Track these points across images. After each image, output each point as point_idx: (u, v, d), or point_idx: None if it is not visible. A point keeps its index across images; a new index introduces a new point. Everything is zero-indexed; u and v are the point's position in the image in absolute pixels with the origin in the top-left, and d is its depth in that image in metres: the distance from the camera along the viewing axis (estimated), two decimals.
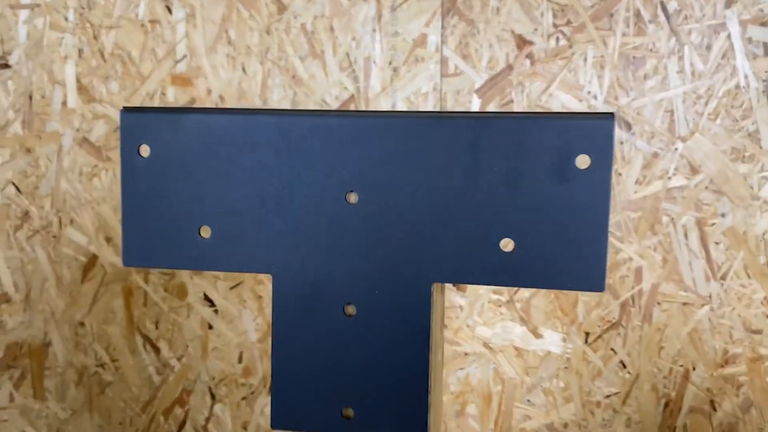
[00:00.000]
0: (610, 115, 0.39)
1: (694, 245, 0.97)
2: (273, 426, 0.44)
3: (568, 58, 0.96)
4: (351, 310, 0.42)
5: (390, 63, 1.00)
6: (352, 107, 1.01)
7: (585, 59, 0.96)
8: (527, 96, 0.98)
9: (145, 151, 0.43)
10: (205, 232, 0.43)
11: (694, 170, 0.96)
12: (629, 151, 0.97)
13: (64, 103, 1.08)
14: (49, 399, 1.15)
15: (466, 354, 1.03)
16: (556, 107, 0.97)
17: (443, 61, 0.99)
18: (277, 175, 0.42)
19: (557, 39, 0.96)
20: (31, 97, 1.09)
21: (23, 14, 1.08)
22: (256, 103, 1.03)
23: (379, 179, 0.41)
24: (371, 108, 1.00)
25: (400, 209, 0.41)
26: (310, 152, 0.41)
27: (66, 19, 1.07)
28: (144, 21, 1.05)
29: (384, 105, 1.00)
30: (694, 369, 0.99)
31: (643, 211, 0.97)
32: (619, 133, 0.96)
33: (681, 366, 0.99)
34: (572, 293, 1.00)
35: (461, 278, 0.41)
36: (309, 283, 0.42)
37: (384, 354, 0.42)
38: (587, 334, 1.00)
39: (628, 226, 0.98)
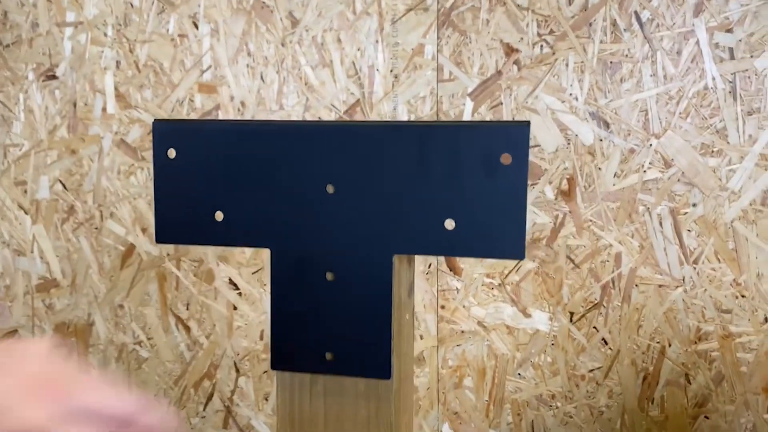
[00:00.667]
0: (527, 123, 0.50)
1: (668, 232, 1.06)
2: (272, 367, 0.56)
3: (552, 63, 1.06)
4: (330, 276, 0.54)
5: (391, 70, 1.11)
6: (358, 111, 1.12)
7: (567, 64, 1.06)
8: (515, 99, 1.08)
9: (171, 153, 0.55)
10: (219, 216, 0.55)
11: (667, 164, 1.05)
12: (608, 148, 1.06)
13: (104, 109, 1.22)
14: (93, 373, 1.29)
15: (462, 332, 1.14)
16: (541, 108, 1.07)
17: (439, 68, 1.10)
18: (273, 171, 0.54)
19: (541, 47, 1.06)
20: (75, 105, 1.23)
21: (68, 31, 1.22)
22: (273, 109, 1.15)
23: (350, 174, 0.52)
24: (375, 111, 1.12)
25: (367, 198, 0.52)
26: (298, 153, 0.53)
27: (105, 34, 1.20)
28: (174, 35, 1.18)
29: (386, 108, 1.12)
30: (669, 345, 1.08)
31: (621, 202, 1.07)
32: (598, 131, 1.06)
33: (658, 343, 1.09)
34: (558, 276, 1.10)
35: (415, 250, 0.52)
36: (298, 256, 0.54)
37: (356, 311, 0.54)
38: (572, 313, 1.11)
39: (607, 215, 1.08)
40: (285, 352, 0.55)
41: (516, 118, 1.09)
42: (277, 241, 0.54)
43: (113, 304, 1.27)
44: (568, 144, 1.07)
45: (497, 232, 0.51)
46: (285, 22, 1.14)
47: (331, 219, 0.53)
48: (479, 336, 1.14)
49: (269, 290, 0.56)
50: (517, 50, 1.07)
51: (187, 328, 1.25)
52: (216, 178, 0.55)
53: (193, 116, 1.18)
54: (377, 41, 1.11)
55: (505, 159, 0.50)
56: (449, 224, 0.52)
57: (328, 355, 0.55)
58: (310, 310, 0.54)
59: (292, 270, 0.54)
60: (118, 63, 1.20)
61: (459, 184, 0.51)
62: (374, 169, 0.52)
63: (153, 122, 0.55)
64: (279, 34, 1.14)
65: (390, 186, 0.52)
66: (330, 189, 0.53)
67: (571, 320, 1.11)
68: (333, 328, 0.54)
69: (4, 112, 1.26)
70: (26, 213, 1.28)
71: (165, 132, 0.55)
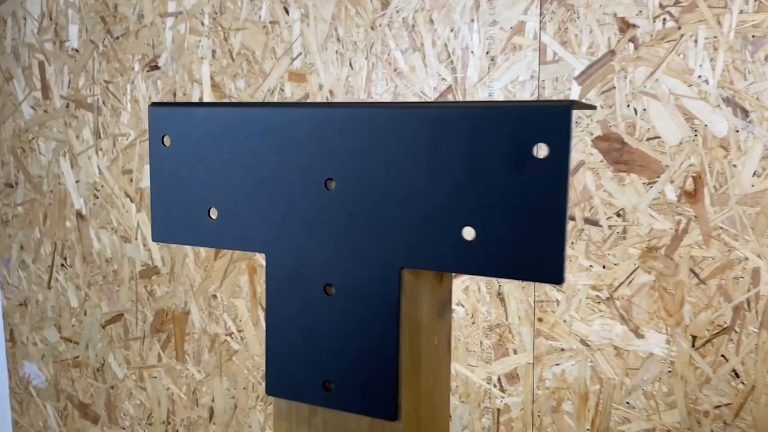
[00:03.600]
0: (569, 103, 0.38)
1: None
2: (267, 392, 0.49)
3: (677, 40, 0.89)
4: (331, 289, 0.45)
5: (487, 52, 1.00)
6: (449, 98, 1.02)
7: (695, 41, 0.89)
8: (630, 82, 0.92)
9: (167, 141, 0.49)
10: (213, 213, 0.48)
11: None
12: (746, 140, 0.88)
13: (201, 99, 1.21)
14: (188, 361, 1.30)
15: (562, 350, 1.01)
16: (663, 94, 0.91)
17: (541, 49, 0.97)
18: (268, 162, 0.46)
19: (664, 20, 0.90)
20: (174, 95, 1.23)
21: (169, 21, 1.22)
22: (362, 97, 1.08)
23: (353, 167, 0.43)
24: (468, 98, 1.01)
25: (371, 197, 0.43)
26: (295, 141, 0.45)
27: (202, 23, 1.19)
28: (266, 22, 1.14)
29: (481, 94, 1.00)
30: None
31: (762, 206, 0.88)
32: (734, 120, 0.88)
33: None
34: (678, 292, 0.93)
35: (426, 264, 0.42)
36: (295, 264, 0.46)
37: (358, 333, 0.44)
38: (694, 337, 0.93)
39: (743, 222, 0.89)
40: (281, 376, 0.47)
41: (632, 105, 0.93)
42: (272, 244, 0.47)
43: (207, 294, 1.26)
44: (696, 136, 0.90)
45: (528, 246, 0.40)
46: (375, 3, 1.06)
47: (331, 221, 0.45)
48: (582, 355, 1.00)
49: None
50: (633, 25, 0.91)
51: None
52: (210, 169, 0.48)
53: None
54: (472, 20, 1.00)
55: (540, 150, 0.39)
56: (468, 233, 0.41)
57: (329, 385, 0.46)
58: (308, 328, 0.46)
59: (289, 280, 0.46)
60: (213, 52, 1.19)
61: (480, 182, 0.41)
62: (377, 161, 0.43)
63: (149, 106, 0.50)
64: (369, 16, 1.06)
65: (394, 183, 0.43)
66: (331, 185, 0.44)
67: (693, 345, 0.93)
68: (333, 353, 0.45)
69: (114, 103, 1.30)
70: (132, 201, 1.31)
71: (160, 116, 0.49)
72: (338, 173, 0.44)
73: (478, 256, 0.41)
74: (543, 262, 0.39)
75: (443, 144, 0.41)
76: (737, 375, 0.92)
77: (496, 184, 0.40)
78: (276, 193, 0.46)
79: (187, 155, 0.49)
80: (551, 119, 0.38)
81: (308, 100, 1.12)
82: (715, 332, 0.92)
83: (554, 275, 0.39)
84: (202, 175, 0.48)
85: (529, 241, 0.40)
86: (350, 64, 1.09)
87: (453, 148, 0.41)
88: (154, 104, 0.50)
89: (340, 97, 1.09)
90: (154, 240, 0.51)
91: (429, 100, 1.03)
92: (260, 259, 1.21)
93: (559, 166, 0.38)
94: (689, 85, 0.90)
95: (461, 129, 0.40)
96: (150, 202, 0.50)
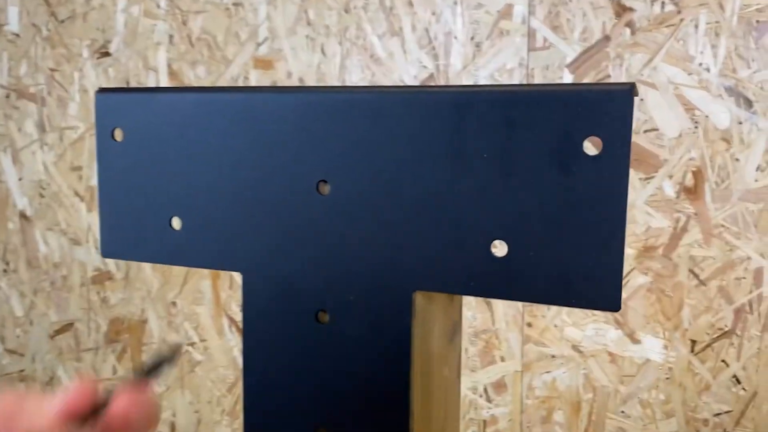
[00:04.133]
0: (629, 86, 0.31)
1: None
2: None
3: (676, 25, 0.83)
4: (324, 317, 0.37)
5: (472, 38, 0.92)
6: None
7: (696, 26, 0.83)
8: (627, 70, 0.86)
9: (118, 135, 0.40)
10: (176, 223, 0.40)
11: None
12: (749, 133, 0.82)
13: None
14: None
15: (552, 356, 0.94)
16: (661, 82, 0.85)
17: (531, 34, 0.90)
18: (245, 160, 0.37)
19: (662, 4, 0.84)
20: (127, 84, 1.13)
21: (121, 2, 1.12)
22: (335, 86, 0.99)
23: (352, 166, 0.35)
24: None
25: (376, 203, 0.35)
26: (279, 134, 0.36)
27: (158, 5, 1.09)
28: (228, 4, 1.05)
29: (465, 82, 0.93)
30: None
31: (766, 203, 0.83)
32: (737, 111, 0.82)
33: None
34: (677, 294, 0.87)
35: (446, 287, 0.34)
36: (279, 285, 0.37)
37: (359, 371, 0.36)
38: (693, 342, 0.88)
39: (746, 219, 0.84)
40: (263, 423, 0.39)
41: None
42: (250, 261, 0.38)
43: (166, 301, 1.16)
44: (696, 127, 0.84)
45: (574, 265, 0.32)
46: None
47: (324, 233, 0.37)
48: (574, 362, 0.93)
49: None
50: (630, 9, 0.85)
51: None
52: (172, 169, 0.39)
53: None
54: (455, 3, 0.92)
55: (592, 146, 0.31)
56: (499, 249, 0.33)
57: (321, 431, 0.38)
58: (295, 363, 0.38)
59: (272, 305, 0.38)
60: (171, 37, 1.09)
61: (515, 184, 0.33)
62: (385, 159, 0.35)
63: (96, 92, 0.41)
64: None
65: (405, 185, 0.35)
66: (324, 189, 0.36)
67: (692, 350, 0.88)
68: (326, 394, 0.37)
69: (60, 93, 1.18)
70: (82, 200, 1.20)
71: (109, 105, 0.40)
72: (333, 174, 0.36)
73: (510, 276, 0.33)
74: (594, 286, 0.32)
75: (468, 136, 0.33)
76: (738, 381, 0.87)
77: (534, 187, 0.33)
78: (255, 199, 0.38)
79: (144, 152, 0.40)
80: (607, 106, 0.31)
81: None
82: (715, 336, 0.87)
83: (608, 301, 0.32)
84: (163, 176, 0.40)
85: (575, 258, 0.32)
86: (322, 50, 1.00)
87: (481, 140, 0.33)
88: (102, 90, 0.41)
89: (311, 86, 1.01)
90: (104, 256, 0.42)
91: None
92: None
93: (616, 165, 0.31)
94: (689, 74, 0.84)
95: (492, 118, 0.32)
96: (99, 209, 0.41)
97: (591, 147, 0.31)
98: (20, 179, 1.24)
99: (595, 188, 0.31)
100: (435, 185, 0.34)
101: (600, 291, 0.32)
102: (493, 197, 0.33)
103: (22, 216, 1.25)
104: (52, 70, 1.18)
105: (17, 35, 1.21)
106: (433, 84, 0.94)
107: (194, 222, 0.39)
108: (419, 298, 0.36)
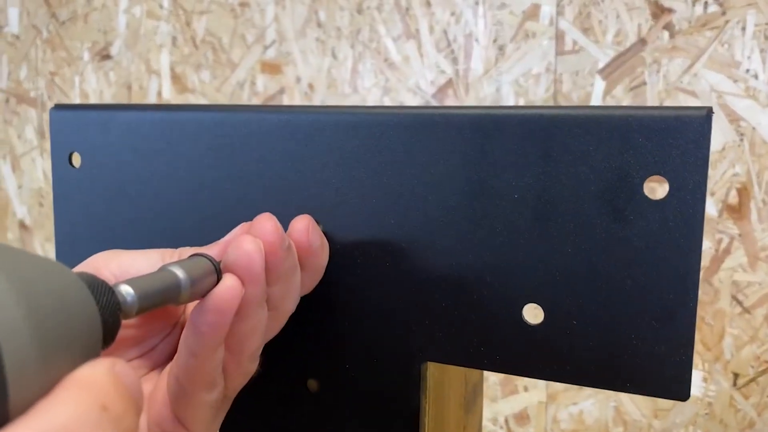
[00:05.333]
0: (705, 111, 0.24)
1: None
2: None
3: (720, 27, 0.76)
4: (314, 385, 0.30)
5: (495, 40, 0.85)
6: (450, 93, 0.87)
7: (743, 28, 0.75)
8: (664, 77, 0.79)
9: (76, 160, 0.34)
10: None
11: None
12: None
13: (159, 93, 1.05)
14: None
15: (579, 387, 0.87)
16: (703, 91, 0.77)
17: (559, 36, 0.82)
18: (227, 194, 0.31)
19: (705, 4, 0.76)
20: (129, 88, 1.07)
21: (123, 3, 1.06)
22: (346, 92, 0.93)
23: (345, 206, 0.28)
24: (472, 94, 0.86)
25: (376, 252, 0.28)
26: (265, 164, 0.30)
27: (161, 6, 1.03)
28: (234, 4, 0.98)
29: (487, 89, 0.86)
30: None
31: None
32: None
33: None
34: (718, 323, 0.80)
35: (465, 360, 0.27)
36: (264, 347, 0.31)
37: None
38: (736, 375, 0.80)
39: None
40: None
41: (666, 104, 0.79)
42: None
43: None
44: (741, 140, 0.76)
45: (628, 340, 0.25)
46: None
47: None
48: (603, 393, 0.86)
49: None
50: (669, 10, 0.77)
51: None
52: (140, 202, 0.33)
53: (255, 103, 0.98)
54: (477, 2, 0.85)
55: (655, 188, 0.24)
56: (532, 314, 0.27)
57: None
58: None
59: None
60: (174, 39, 1.03)
61: (552, 235, 0.26)
62: (388, 193, 0.28)
63: (50, 110, 0.34)
64: None
65: (418, 232, 0.28)
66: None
67: (734, 384, 0.80)
68: None
69: (60, 97, 1.13)
70: None
71: (65, 125, 0.34)
72: (328, 213, 0.29)
73: (545, 350, 0.26)
74: (653, 367, 0.25)
75: (494, 171, 0.26)
76: None
77: (577, 237, 0.25)
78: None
79: (106, 182, 0.33)
80: (676, 137, 0.24)
81: (283, 95, 0.96)
82: (761, 369, 0.79)
83: (673, 387, 0.25)
84: (128, 211, 0.33)
85: (630, 331, 0.25)
86: (333, 54, 0.93)
87: (510, 177, 0.26)
88: (57, 107, 0.34)
89: (321, 92, 0.94)
90: None
91: (426, 95, 0.88)
92: None
93: (686, 213, 0.24)
94: (735, 81, 0.76)
95: (525, 148, 0.25)
96: (55, 246, 0.35)
97: (654, 189, 0.24)
98: (20, 187, 1.19)
99: (659, 241, 0.24)
100: (452, 233, 0.27)
101: (662, 374, 0.24)
102: (526, 250, 0.26)
103: (22, 225, 1.20)
104: (52, 73, 1.13)
105: (17, 37, 1.15)
106: (451, 90, 0.87)
107: None
108: (433, 369, 0.29)
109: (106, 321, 0.19)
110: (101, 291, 0.20)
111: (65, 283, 0.18)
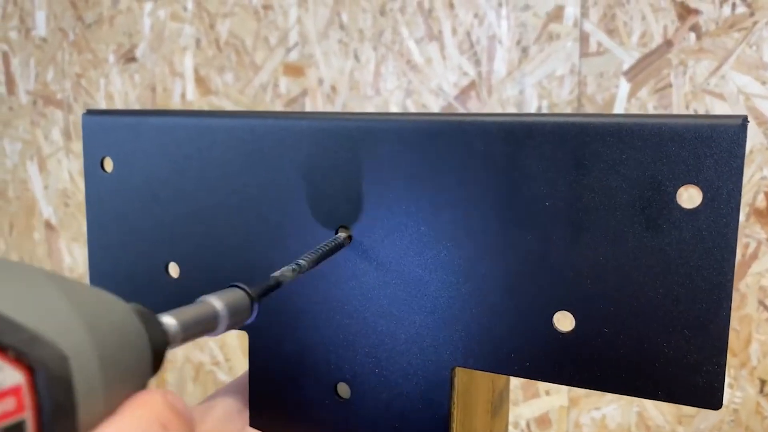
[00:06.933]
0: (740, 120, 0.23)
1: None
2: None
3: (749, 28, 0.75)
4: (344, 390, 0.30)
5: (518, 42, 0.85)
6: (472, 95, 0.87)
7: None
8: (691, 79, 0.78)
9: (108, 165, 0.34)
10: (173, 270, 0.34)
11: None
12: None
13: (183, 95, 1.06)
14: None
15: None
16: (730, 93, 0.76)
17: (583, 38, 0.82)
18: (257, 200, 0.31)
19: (733, 5, 0.75)
20: (154, 90, 1.08)
21: (148, 6, 1.07)
22: (369, 94, 0.93)
23: (377, 212, 0.29)
24: (495, 96, 0.86)
25: (405, 259, 0.28)
26: (297, 170, 0.30)
27: (185, 8, 1.04)
28: (257, 6, 0.99)
29: (510, 91, 0.85)
30: None
31: None
32: None
33: None
34: (744, 328, 0.79)
35: (494, 366, 0.28)
36: (291, 350, 0.31)
37: None
38: (763, 381, 0.79)
39: None
40: None
41: (692, 108, 0.78)
42: (257, 320, 0.32)
43: None
44: None
45: (660, 348, 0.25)
46: None
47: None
48: (626, 399, 0.85)
49: None
50: (696, 11, 0.77)
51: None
52: (171, 207, 0.33)
53: (278, 105, 0.98)
54: (500, 4, 0.85)
55: (689, 197, 0.24)
56: (563, 321, 0.26)
57: None
58: None
59: (282, 373, 0.32)
60: (198, 41, 1.04)
61: (584, 243, 0.26)
62: (419, 201, 0.28)
63: (83, 115, 0.35)
64: (377, 0, 0.91)
65: (447, 241, 0.28)
66: (341, 234, 0.30)
67: (761, 391, 0.79)
68: None
69: (86, 99, 1.14)
70: None
71: (98, 130, 0.34)
72: (355, 217, 0.29)
73: (575, 357, 0.26)
74: (685, 375, 0.25)
75: (525, 180, 0.26)
76: None
77: (609, 245, 0.25)
78: (265, 246, 0.31)
79: (137, 186, 0.34)
80: (710, 146, 0.23)
81: (306, 98, 0.97)
82: None
83: (705, 397, 0.24)
84: (159, 215, 0.33)
85: (662, 339, 0.25)
86: (355, 56, 0.94)
87: (541, 186, 0.26)
88: (89, 112, 0.35)
89: (343, 94, 0.94)
90: None
91: (449, 97, 0.88)
92: None
93: (720, 222, 0.24)
94: (763, 83, 0.75)
95: (556, 156, 0.25)
96: (87, 252, 0.35)
97: (688, 197, 0.24)
98: (46, 188, 1.21)
99: (692, 250, 0.24)
100: (482, 240, 0.27)
101: (694, 383, 0.24)
102: (557, 257, 0.26)
103: (48, 225, 1.21)
104: (79, 75, 1.15)
105: (44, 40, 1.17)
106: (474, 92, 0.87)
107: (194, 269, 0.33)
108: (461, 375, 0.29)
109: (155, 350, 0.21)
110: (151, 322, 0.21)
111: (122, 315, 0.20)
